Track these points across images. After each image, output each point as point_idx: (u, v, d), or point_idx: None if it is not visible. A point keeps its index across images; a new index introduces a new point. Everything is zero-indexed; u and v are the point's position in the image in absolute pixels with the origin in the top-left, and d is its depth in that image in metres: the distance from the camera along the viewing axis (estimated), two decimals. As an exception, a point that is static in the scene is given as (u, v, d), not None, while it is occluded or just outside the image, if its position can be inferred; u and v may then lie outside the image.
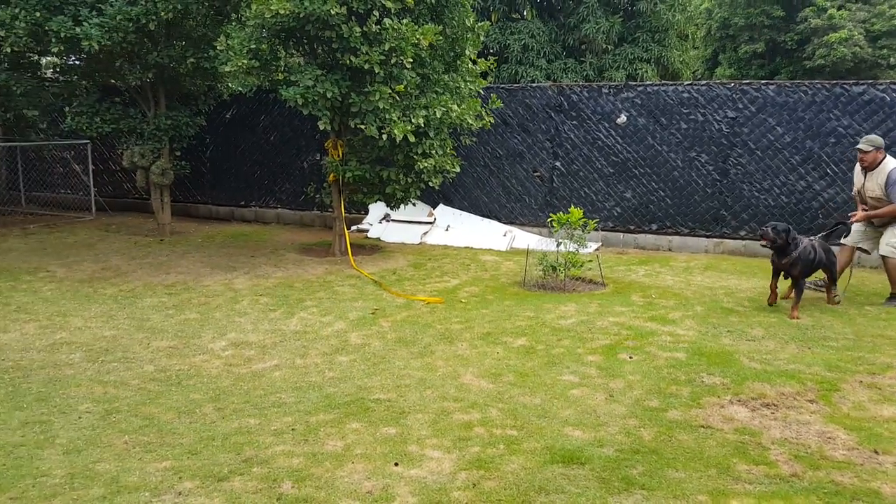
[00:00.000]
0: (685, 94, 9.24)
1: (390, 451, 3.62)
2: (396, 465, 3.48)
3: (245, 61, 7.47)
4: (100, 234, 10.28)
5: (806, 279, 6.33)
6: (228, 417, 4.06)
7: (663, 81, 11.48)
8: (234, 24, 7.86)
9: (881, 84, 8.56)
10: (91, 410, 4.17)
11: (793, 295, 6.28)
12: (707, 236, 9.33)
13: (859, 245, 6.86)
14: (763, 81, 9.52)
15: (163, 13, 8.38)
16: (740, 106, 8.97)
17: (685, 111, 9.25)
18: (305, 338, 5.55)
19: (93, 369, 4.86)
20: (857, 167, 6.71)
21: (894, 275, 6.53)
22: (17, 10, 8.50)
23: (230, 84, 10.37)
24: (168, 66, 9.46)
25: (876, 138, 6.55)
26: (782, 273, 6.30)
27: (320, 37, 7.43)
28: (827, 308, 6.41)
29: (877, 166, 6.45)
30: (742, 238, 9.10)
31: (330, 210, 9.60)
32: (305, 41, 7.89)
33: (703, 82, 9.59)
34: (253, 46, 7.45)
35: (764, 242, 6.21)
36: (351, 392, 4.42)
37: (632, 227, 9.78)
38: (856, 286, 7.07)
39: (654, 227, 9.64)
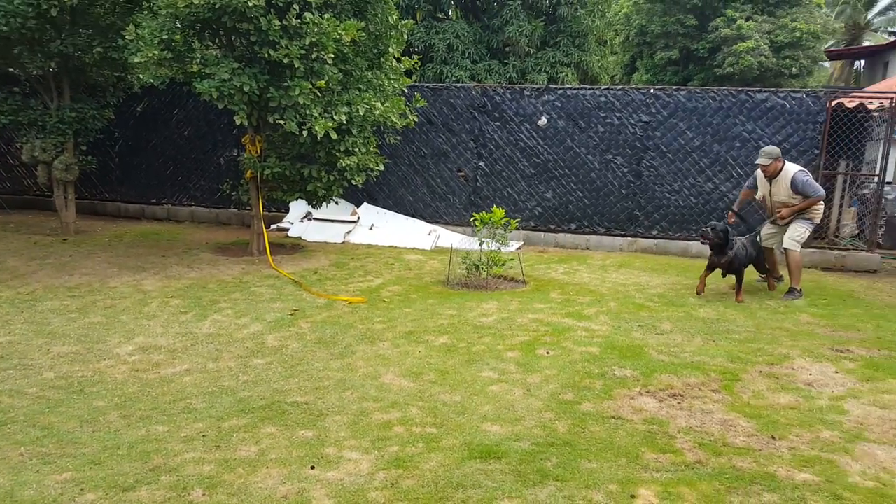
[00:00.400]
0: (602, 99, 9.55)
1: (307, 455, 3.53)
2: (313, 468, 3.40)
3: (156, 52, 7.14)
4: (-6, 234, 9.56)
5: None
6: (135, 425, 3.85)
7: (582, 85, 11.82)
8: (145, 12, 7.48)
9: (782, 92, 9.14)
10: None
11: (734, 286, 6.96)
12: (622, 235, 9.69)
13: (767, 244, 7.26)
14: (675, 87, 9.97)
15: (66, -1, 7.89)
16: (653, 110, 9.35)
17: (602, 115, 9.56)
18: (219, 341, 5.35)
19: None
20: (760, 176, 7.14)
21: (794, 268, 7.00)
22: None
23: (141, 76, 9.95)
24: (73, 56, 8.93)
25: (773, 149, 6.95)
26: (718, 269, 6.87)
27: (238, 29, 7.20)
28: (731, 303, 6.77)
29: (779, 173, 6.90)
30: (654, 237, 9.50)
31: (247, 208, 9.33)
32: (222, 33, 7.62)
33: (620, 87, 9.94)
34: (165, 37, 7.15)
35: (703, 241, 6.75)
36: (266, 396, 4.29)
37: (552, 227, 10.02)
38: (758, 282, 7.51)
39: (573, 226, 9.91)
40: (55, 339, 5.31)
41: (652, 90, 9.50)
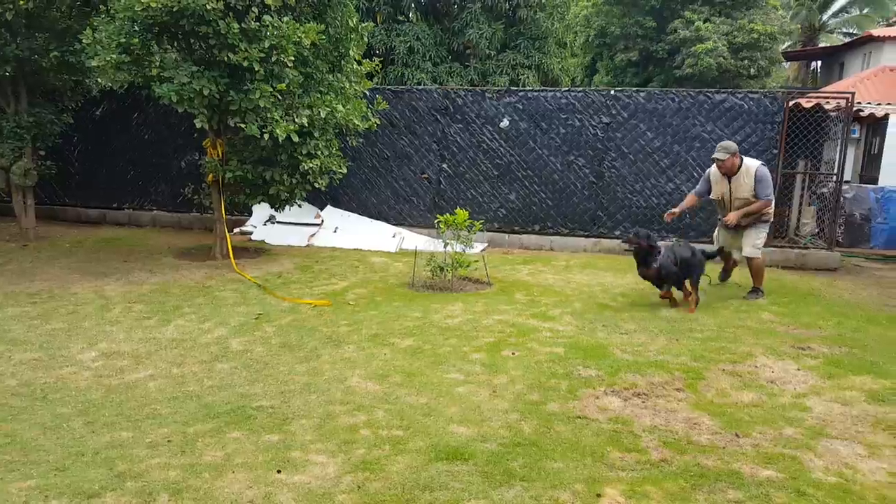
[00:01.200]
0: (563, 100, 9.70)
1: (273, 459, 3.54)
2: (279, 472, 3.41)
3: (114, 56, 7.03)
4: (-53, 241, 9.29)
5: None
6: (99, 431, 3.82)
7: (543, 87, 12.00)
8: (102, 16, 7.36)
9: (740, 93, 9.41)
10: None
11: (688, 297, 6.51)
12: (585, 236, 9.85)
13: (726, 248, 7.16)
14: (635, 89, 10.19)
15: (21, 2, 7.73)
16: (614, 112, 9.54)
17: (564, 116, 9.71)
18: (183, 346, 5.30)
19: None
20: (715, 174, 6.89)
21: (757, 272, 7.02)
22: None
23: (99, 80, 9.76)
24: (29, 60, 8.75)
25: (730, 144, 6.72)
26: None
27: (196, 32, 7.13)
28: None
29: (738, 170, 6.70)
30: (617, 237, 9.68)
31: (210, 212, 9.23)
32: (181, 36, 7.53)
33: (580, 89, 10.11)
34: (123, 41, 7.04)
35: (627, 246, 6.54)
36: (232, 400, 4.28)
37: (516, 228, 10.14)
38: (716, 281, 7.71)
39: (537, 227, 10.05)
40: (16, 345, 5.21)
41: (612, 92, 9.69)
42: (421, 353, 5.18)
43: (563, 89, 10.01)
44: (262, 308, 6.38)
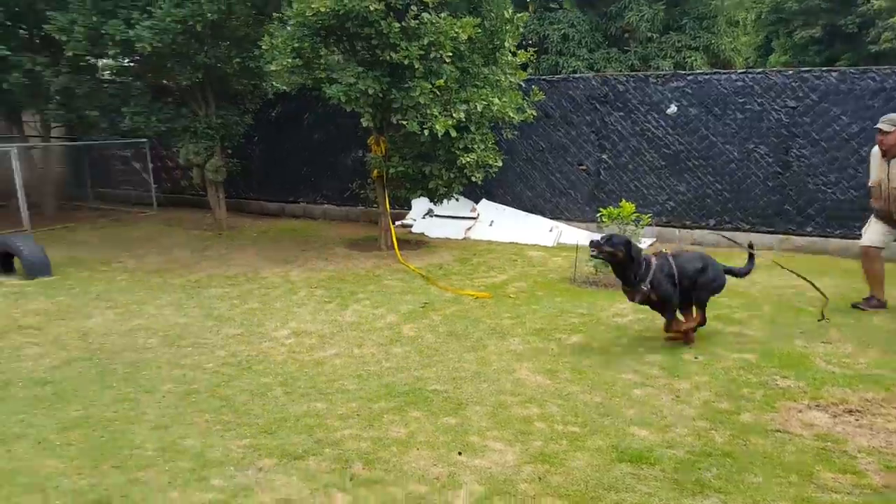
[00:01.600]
0: (739, 83, 8.95)
1: (453, 441, 3.63)
2: (460, 454, 3.49)
3: (289, 60, 7.50)
4: (162, 229, 10.67)
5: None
6: (297, 401, 4.17)
7: (715, 70, 11.11)
8: (275, 23, 7.93)
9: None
10: (172, 391, 4.37)
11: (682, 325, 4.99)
12: (771, 232, 8.97)
13: (878, 245, 5.94)
14: (824, 68, 9.13)
15: (208, 14, 8.52)
16: (800, 94, 8.63)
17: (740, 100, 8.95)
18: (360, 329, 5.63)
19: (170, 353, 5.07)
20: (876, 154, 5.79)
21: None
22: (75, 16, 8.76)
23: (274, 83, 10.57)
24: (215, 66, 9.63)
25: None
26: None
27: (360, 34, 7.42)
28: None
29: None
30: (809, 234, 8.71)
31: (374, 206, 9.65)
32: (345, 38, 7.88)
33: (759, 70, 9.27)
34: (296, 45, 7.48)
35: (594, 252, 4.86)
36: (409, 382, 4.46)
37: (687, 223, 9.52)
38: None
39: (712, 222, 9.36)
40: (222, 322, 5.86)
41: (798, 72, 8.77)
42: (590, 351, 5.02)
43: (739, 71, 9.23)
44: (427, 297, 6.56)
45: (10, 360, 4.90)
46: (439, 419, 3.88)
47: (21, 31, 10.57)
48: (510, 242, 9.50)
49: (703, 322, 5.08)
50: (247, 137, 11.51)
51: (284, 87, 8.49)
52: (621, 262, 4.77)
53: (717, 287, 5.03)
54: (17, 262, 7.46)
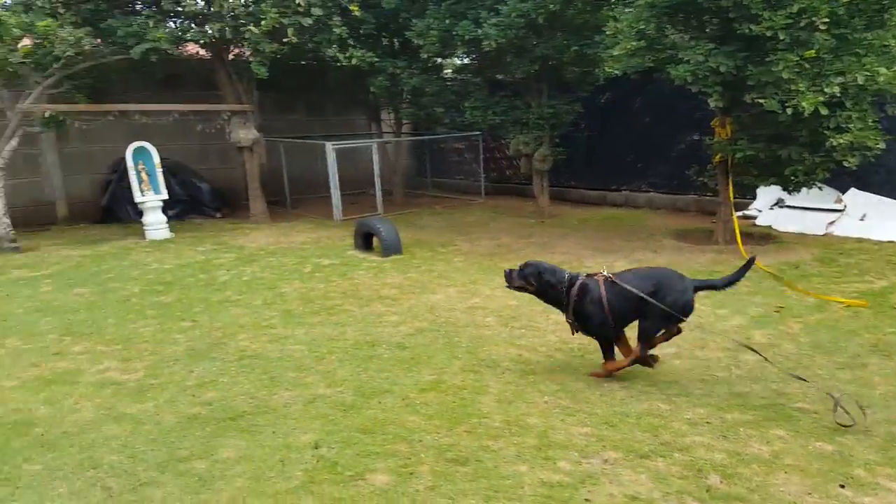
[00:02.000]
0: None
1: (830, 470, 3.12)
2: (842, 486, 2.99)
3: (633, 43, 7.36)
4: (490, 215, 11.44)
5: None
6: (637, 398, 4.02)
7: None
8: (618, 6, 7.79)
9: None
10: (511, 368, 4.58)
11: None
12: None
13: None
14: None
15: (551, 5, 8.75)
16: None
17: None
18: (702, 329, 5.19)
19: (505, 332, 5.35)
20: None
21: None
22: (430, 20, 9.84)
23: (606, 69, 10.51)
24: (551, 57, 9.88)
25: None
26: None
27: (711, 8, 6.89)
28: None
29: None
30: None
31: (707, 194, 8.96)
32: (692, 15, 7.40)
33: None
34: (641, 27, 7.29)
35: (507, 286, 4.49)
36: (766, 395, 3.98)
37: None
38: None
39: None
40: (551, 308, 5.94)
41: None
42: None
43: None
44: (780, 301, 5.83)
45: (375, 325, 5.61)
46: (809, 442, 3.39)
47: (384, 39, 12.24)
48: (889, 241, 7.96)
49: (640, 358, 4.18)
50: (573, 125, 11.69)
51: (617, 72, 8.35)
52: (537, 293, 4.41)
53: (676, 314, 4.05)
54: (374, 241, 8.65)
